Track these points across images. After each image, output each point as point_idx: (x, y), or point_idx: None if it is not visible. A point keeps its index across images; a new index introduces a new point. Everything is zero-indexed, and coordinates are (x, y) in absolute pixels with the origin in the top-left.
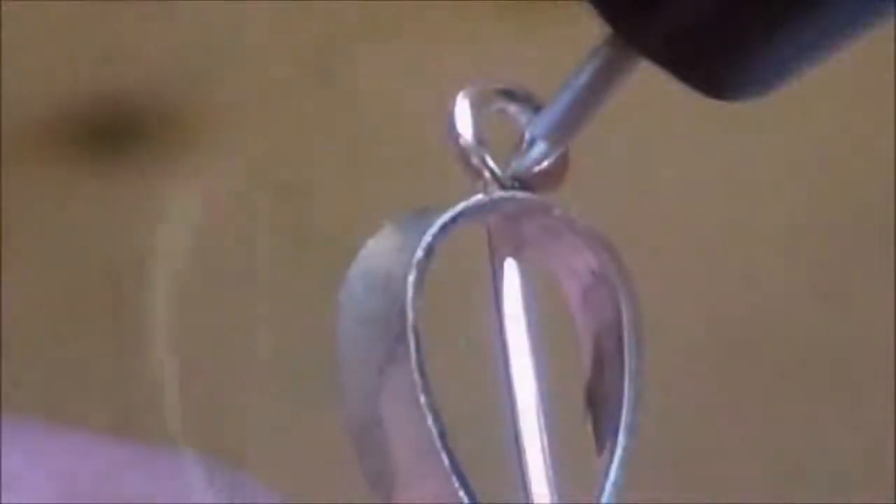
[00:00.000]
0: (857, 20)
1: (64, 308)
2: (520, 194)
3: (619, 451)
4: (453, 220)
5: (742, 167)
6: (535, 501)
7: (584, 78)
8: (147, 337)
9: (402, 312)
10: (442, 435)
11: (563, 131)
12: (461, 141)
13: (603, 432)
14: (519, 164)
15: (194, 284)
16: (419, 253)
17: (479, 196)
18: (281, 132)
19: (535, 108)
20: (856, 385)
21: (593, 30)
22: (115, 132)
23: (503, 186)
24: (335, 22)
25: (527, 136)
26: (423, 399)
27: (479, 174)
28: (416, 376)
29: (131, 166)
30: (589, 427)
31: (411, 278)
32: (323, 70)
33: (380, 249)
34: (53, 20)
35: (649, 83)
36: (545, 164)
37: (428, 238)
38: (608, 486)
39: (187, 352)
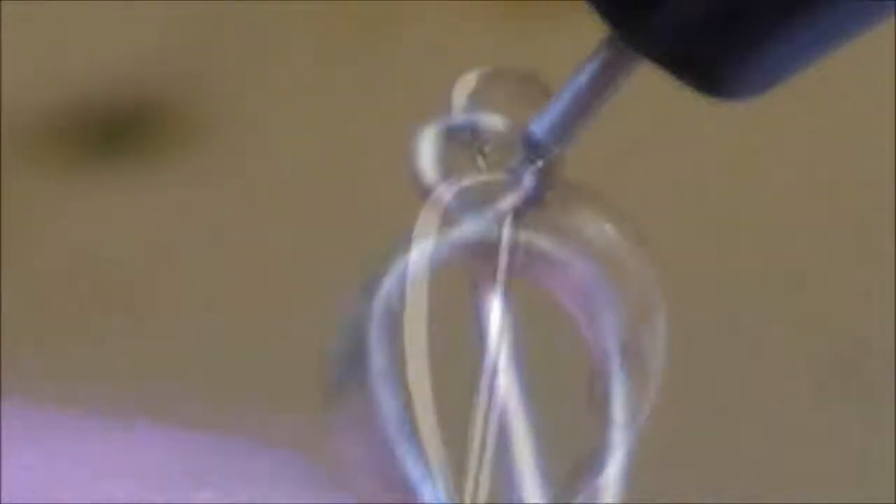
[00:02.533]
0: (857, 19)
1: (64, 308)
2: (469, 235)
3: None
4: (401, 277)
5: (739, 166)
6: None
7: (583, 79)
8: (146, 336)
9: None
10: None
11: (563, 132)
12: (422, 180)
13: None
14: (524, 160)
15: (194, 282)
16: (375, 315)
17: (421, 249)
18: (282, 132)
19: (493, 134)
20: (856, 385)
21: (593, 30)
22: (115, 132)
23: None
24: (335, 23)
25: (528, 136)
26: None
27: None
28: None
29: (131, 166)
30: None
31: (373, 338)
32: (323, 70)
33: (350, 314)
34: (53, 20)
35: (647, 83)
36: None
37: (380, 300)
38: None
39: (190, 352)
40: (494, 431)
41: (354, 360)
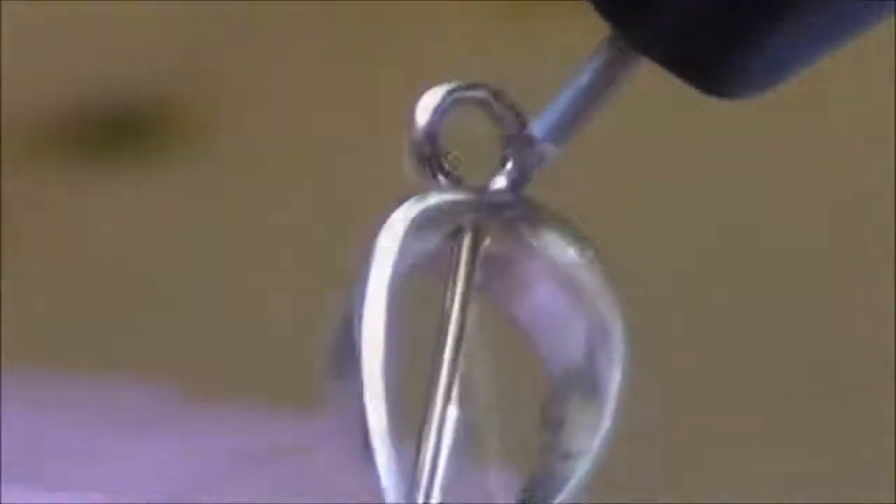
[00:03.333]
0: (858, 17)
1: (64, 308)
2: (430, 250)
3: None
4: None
5: (739, 165)
6: None
7: (585, 78)
8: (147, 336)
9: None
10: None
11: (563, 131)
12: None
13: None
14: (518, 164)
15: (194, 282)
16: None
17: (382, 265)
18: (281, 131)
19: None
20: (856, 385)
21: (594, 29)
22: (115, 132)
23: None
24: (334, 23)
25: (527, 135)
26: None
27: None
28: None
29: (131, 166)
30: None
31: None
32: (323, 69)
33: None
34: (53, 20)
35: (647, 81)
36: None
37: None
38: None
39: (191, 353)
40: (449, 437)
41: (337, 363)
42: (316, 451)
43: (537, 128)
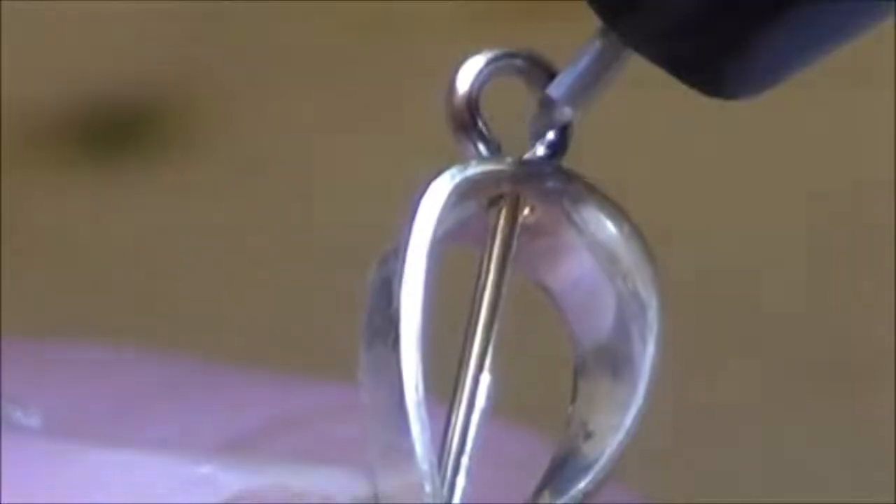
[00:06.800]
0: (857, 18)
1: (63, 308)
2: (466, 221)
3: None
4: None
5: (738, 163)
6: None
7: (592, 49)
8: (146, 337)
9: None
10: None
11: (580, 94)
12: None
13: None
14: (538, 125)
15: (194, 283)
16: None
17: (420, 235)
18: (281, 132)
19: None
20: (856, 385)
21: (593, 28)
22: (114, 132)
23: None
24: (335, 24)
25: (544, 97)
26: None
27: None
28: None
29: (131, 166)
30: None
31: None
32: (324, 70)
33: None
34: (54, 20)
35: (647, 80)
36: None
37: (375, 288)
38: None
39: (190, 352)
40: (476, 425)
41: (371, 329)
42: (328, 420)
43: (554, 90)
